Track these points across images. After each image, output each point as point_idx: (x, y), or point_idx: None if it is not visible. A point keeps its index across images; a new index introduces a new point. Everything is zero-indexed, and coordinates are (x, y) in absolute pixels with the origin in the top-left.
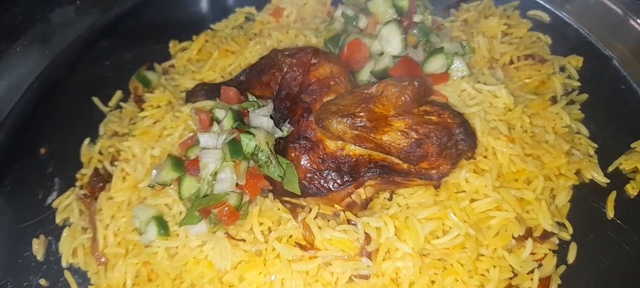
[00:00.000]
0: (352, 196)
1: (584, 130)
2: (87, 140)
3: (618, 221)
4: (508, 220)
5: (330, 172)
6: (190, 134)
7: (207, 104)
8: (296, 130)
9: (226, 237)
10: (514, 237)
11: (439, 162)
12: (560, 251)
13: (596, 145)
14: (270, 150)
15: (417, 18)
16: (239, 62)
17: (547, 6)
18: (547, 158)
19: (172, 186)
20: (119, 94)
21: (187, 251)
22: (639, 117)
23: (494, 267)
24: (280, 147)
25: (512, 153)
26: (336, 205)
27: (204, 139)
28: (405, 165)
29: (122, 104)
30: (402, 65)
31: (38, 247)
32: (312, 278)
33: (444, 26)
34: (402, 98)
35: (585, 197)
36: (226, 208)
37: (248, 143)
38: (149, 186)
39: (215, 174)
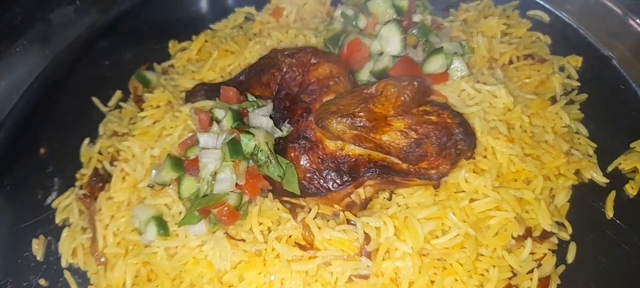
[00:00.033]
0: (352, 196)
1: (584, 130)
2: (86, 140)
3: (617, 221)
4: (507, 220)
5: (330, 172)
6: (190, 134)
7: (207, 103)
8: (296, 130)
9: (226, 237)
10: (513, 237)
11: (438, 161)
12: (560, 251)
13: (595, 145)
14: (270, 150)
15: (416, 18)
16: (239, 62)
17: (547, 6)
18: (547, 158)
19: (171, 186)
20: (118, 93)
21: (186, 251)
22: (638, 117)
23: (494, 266)
24: (280, 147)
25: (511, 153)
26: (336, 205)
27: (204, 138)
28: (404, 165)
29: (121, 103)
30: (402, 65)
31: (38, 247)
32: (312, 278)
33: (444, 26)
34: (402, 98)
35: (585, 197)
36: (226, 208)
37: (248, 143)
38: (148, 186)
39: (214, 174)
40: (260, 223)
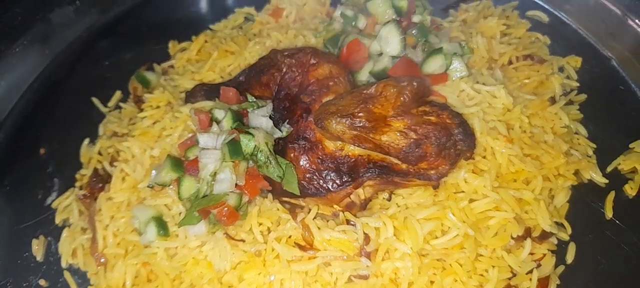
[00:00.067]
0: (351, 196)
1: (583, 131)
2: (86, 141)
3: (617, 221)
4: (507, 221)
5: (330, 172)
6: (190, 135)
7: (207, 104)
8: (295, 130)
9: (225, 237)
10: (512, 237)
11: (437, 162)
12: (559, 251)
13: (595, 146)
14: (270, 151)
15: (416, 18)
16: (239, 62)
17: (546, 6)
18: (546, 158)
19: (171, 186)
20: (118, 94)
21: (186, 251)
22: (637, 117)
23: (493, 267)
24: (280, 148)
25: (511, 154)
26: (335, 206)
27: (204, 139)
28: (404, 166)
29: (121, 104)
30: (401, 65)
31: (38, 248)
32: (312, 279)
33: (443, 26)
34: (401, 98)
35: (584, 197)
36: (225, 208)
37: (247, 143)
38: (148, 186)
39: (214, 175)
40: (260, 224)
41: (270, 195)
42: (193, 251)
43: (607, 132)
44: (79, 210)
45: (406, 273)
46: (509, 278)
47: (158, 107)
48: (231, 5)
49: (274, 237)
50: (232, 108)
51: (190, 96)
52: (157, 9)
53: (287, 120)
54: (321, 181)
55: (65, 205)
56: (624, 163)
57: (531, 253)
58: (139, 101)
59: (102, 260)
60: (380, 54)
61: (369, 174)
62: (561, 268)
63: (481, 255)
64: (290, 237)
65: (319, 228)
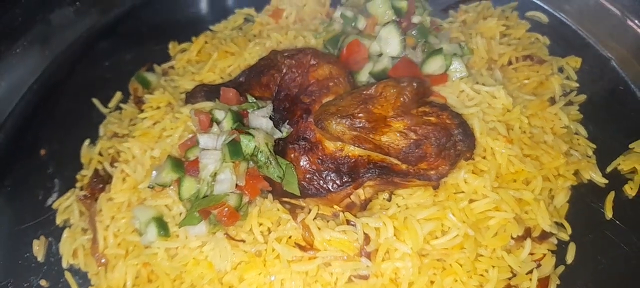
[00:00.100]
0: (351, 197)
1: (583, 131)
2: (87, 142)
3: (616, 221)
4: (507, 221)
5: (330, 172)
6: (190, 135)
7: (207, 105)
8: (295, 131)
9: (226, 237)
10: (512, 237)
11: (437, 162)
12: (559, 251)
13: (595, 146)
14: (270, 151)
15: (415, 19)
16: (239, 63)
17: (546, 7)
18: (546, 158)
19: (172, 187)
20: (118, 95)
21: (187, 252)
22: (637, 117)
23: (493, 267)
24: (280, 148)
25: (510, 154)
26: (335, 206)
27: (204, 140)
28: (404, 166)
29: (121, 105)
30: (401, 66)
31: (38, 248)
32: (312, 279)
33: (443, 27)
34: (401, 99)
35: (584, 198)
36: (226, 209)
37: (247, 144)
38: (148, 187)
39: (214, 175)
40: (260, 224)
41: (270, 196)
42: (193, 251)
43: (606, 132)
44: (80, 210)
45: (406, 273)
46: (509, 278)
47: (158, 107)
48: (231, 6)
49: (274, 237)
50: (232, 109)
51: (191, 97)
52: (157, 9)
53: (287, 121)
54: (321, 181)
55: (66, 206)
56: (623, 164)
57: (531, 254)
58: (139, 102)
59: (103, 260)
60: (380, 55)
61: (369, 175)
62: (561, 268)
63: (481, 255)
64: (290, 237)
65: (319, 228)
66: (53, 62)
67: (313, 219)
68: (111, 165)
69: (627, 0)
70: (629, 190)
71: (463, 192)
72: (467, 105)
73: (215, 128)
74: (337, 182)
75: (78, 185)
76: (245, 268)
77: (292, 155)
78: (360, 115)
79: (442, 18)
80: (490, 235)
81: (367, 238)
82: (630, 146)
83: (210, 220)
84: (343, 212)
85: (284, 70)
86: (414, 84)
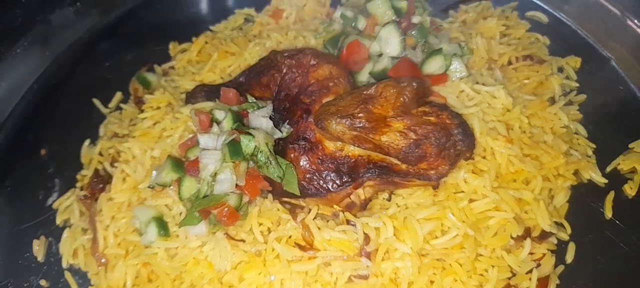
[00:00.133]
0: (351, 197)
1: (582, 131)
2: (87, 142)
3: (616, 221)
4: (506, 220)
5: (330, 172)
6: (190, 135)
7: (207, 105)
8: (295, 131)
9: (226, 237)
10: (512, 237)
11: (437, 162)
12: (559, 251)
13: (594, 146)
14: (270, 151)
15: (415, 19)
16: (239, 63)
17: (546, 7)
18: (546, 158)
19: (172, 187)
20: (119, 95)
21: (187, 252)
22: (637, 117)
23: (493, 267)
24: (280, 148)
25: (510, 154)
26: (335, 206)
27: (204, 140)
28: (404, 166)
29: (122, 105)
30: (401, 66)
31: (38, 248)
32: (312, 279)
33: (443, 27)
34: (401, 99)
35: (584, 197)
36: (226, 209)
37: (247, 144)
38: (149, 187)
39: (215, 175)
40: (260, 224)
41: (270, 196)
42: (193, 251)
43: (606, 132)
44: (80, 210)
45: (406, 273)
46: (509, 278)
47: (158, 108)
48: (231, 7)
49: (274, 237)
50: (233, 109)
51: (191, 97)
52: (157, 10)
53: (287, 121)
54: (321, 181)
55: (66, 206)
56: (623, 164)
57: (531, 253)
58: (139, 102)
59: (103, 260)
60: (380, 55)
61: (369, 174)
62: (561, 268)
63: (481, 255)
64: (290, 237)
65: (319, 228)
66: (53, 62)
67: (313, 219)
68: (111, 165)
69: (627, 0)
70: (629, 190)
71: (463, 191)
72: (467, 105)
73: (215, 128)
74: (337, 181)
75: (78, 185)
76: (245, 268)
77: (292, 155)
78: (360, 115)
79: (442, 18)
80: (490, 234)
81: (367, 238)
82: (630, 146)
83: (210, 220)
84: (343, 212)
85: (284, 70)
86: (414, 84)
